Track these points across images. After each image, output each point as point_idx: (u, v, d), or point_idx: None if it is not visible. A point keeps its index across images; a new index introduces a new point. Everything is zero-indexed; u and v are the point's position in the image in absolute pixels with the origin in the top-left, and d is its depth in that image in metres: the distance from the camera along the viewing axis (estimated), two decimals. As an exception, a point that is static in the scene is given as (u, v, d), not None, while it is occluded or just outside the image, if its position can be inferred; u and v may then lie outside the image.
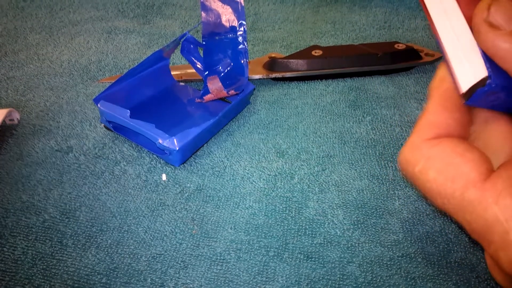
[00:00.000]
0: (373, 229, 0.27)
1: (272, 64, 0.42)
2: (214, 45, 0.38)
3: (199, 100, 0.37)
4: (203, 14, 0.37)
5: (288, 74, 0.41)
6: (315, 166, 0.32)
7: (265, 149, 0.33)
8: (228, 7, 0.37)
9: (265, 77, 0.41)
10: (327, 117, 0.37)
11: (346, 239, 0.26)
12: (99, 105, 0.33)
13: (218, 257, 0.25)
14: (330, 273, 0.24)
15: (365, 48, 0.42)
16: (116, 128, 0.34)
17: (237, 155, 0.33)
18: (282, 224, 0.27)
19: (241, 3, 0.36)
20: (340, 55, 0.41)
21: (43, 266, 0.25)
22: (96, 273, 0.24)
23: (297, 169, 0.31)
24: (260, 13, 0.57)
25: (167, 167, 0.32)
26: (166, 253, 0.25)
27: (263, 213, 0.28)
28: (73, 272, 0.24)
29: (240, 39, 0.37)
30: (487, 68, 0.16)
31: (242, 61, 0.38)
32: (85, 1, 0.60)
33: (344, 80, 0.42)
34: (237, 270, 0.24)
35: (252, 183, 0.30)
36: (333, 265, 0.25)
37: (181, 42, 0.38)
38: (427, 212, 0.28)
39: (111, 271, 0.24)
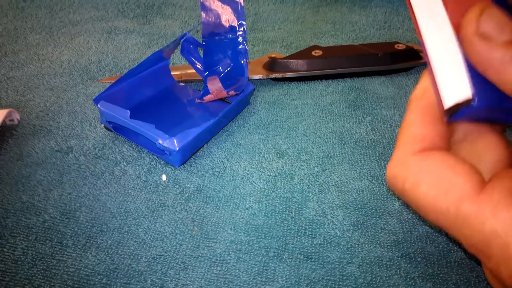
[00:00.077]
0: (373, 230, 0.27)
1: (272, 65, 0.42)
2: (214, 45, 0.38)
3: (199, 101, 0.37)
4: (203, 14, 0.37)
5: (288, 74, 0.41)
6: (315, 167, 0.32)
7: (265, 150, 0.33)
8: (228, 7, 0.37)
9: (265, 78, 0.41)
10: (327, 118, 0.37)
11: (346, 239, 0.26)
12: (99, 106, 0.33)
13: (218, 258, 0.25)
14: (329, 273, 0.24)
15: (365, 48, 0.42)
16: (116, 128, 0.34)
17: (237, 155, 0.33)
18: (282, 224, 0.27)
19: (240, 3, 0.36)
20: (340, 55, 0.41)
21: (43, 267, 0.25)
22: (96, 274, 0.24)
23: (297, 170, 0.31)
24: (260, 13, 0.57)
25: (167, 168, 0.32)
26: (166, 254, 0.25)
27: (263, 213, 0.28)
28: (73, 273, 0.24)
29: (240, 39, 0.37)
30: (473, 87, 0.16)
31: (242, 61, 0.38)
32: (85, 1, 0.60)
33: (344, 80, 0.42)
34: (237, 270, 0.25)
35: (252, 183, 0.30)
36: (332, 265, 0.25)
37: (181, 42, 0.38)
38: (427, 213, 0.28)
39: (111, 272, 0.24)
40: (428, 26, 0.17)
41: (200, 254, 0.25)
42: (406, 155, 0.18)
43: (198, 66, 0.39)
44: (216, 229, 0.27)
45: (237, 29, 0.37)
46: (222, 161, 0.32)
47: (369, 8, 0.58)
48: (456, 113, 0.16)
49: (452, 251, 0.25)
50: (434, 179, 0.17)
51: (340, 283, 0.24)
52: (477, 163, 0.18)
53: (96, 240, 0.26)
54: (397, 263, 0.25)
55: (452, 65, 0.16)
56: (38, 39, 0.50)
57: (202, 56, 0.39)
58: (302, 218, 0.28)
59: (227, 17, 0.37)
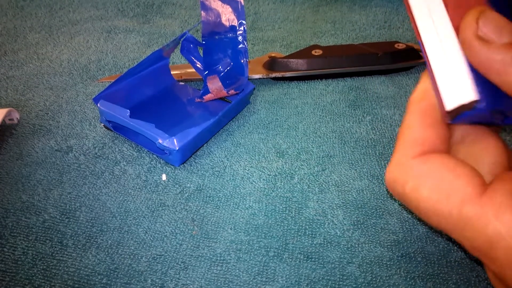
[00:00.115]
0: (373, 229, 0.27)
1: (272, 64, 0.42)
2: (214, 44, 0.38)
3: (199, 100, 0.37)
4: (203, 14, 0.37)
5: (288, 74, 0.41)
6: (315, 166, 0.32)
7: (265, 149, 0.33)
8: (228, 6, 0.37)
9: (265, 77, 0.41)
10: (327, 117, 0.37)
11: (346, 239, 0.26)
12: (98, 105, 0.33)
13: (218, 258, 0.25)
14: (330, 273, 0.24)
15: (365, 47, 0.42)
16: (116, 127, 0.34)
17: (237, 155, 0.33)
18: (282, 224, 0.27)
19: (241, 3, 0.36)
20: (340, 55, 0.41)
21: (43, 267, 0.25)
22: (96, 274, 0.24)
23: (297, 169, 0.31)
24: (260, 12, 0.57)
25: (167, 167, 0.31)
26: (166, 254, 0.25)
27: (263, 213, 0.28)
28: (74, 273, 0.24)
29: (240, 38, 0.37)
30: (477, 90, 0.16)
31: (242, 61, 0.37)
32: (85, 0, 0.60)
33: (344, 79, 0.42)
34: (237, 270, 0.25)
35: (252, 183, 0.30)
36: (333, 265, 0.25)
37: (181, 42, 0.38)
38: (427, 212, 0.28)
39: (112, 272, 0.24)
40: (427, 27, 0.17)
41: (200, 254, 0.25)
42: (406, 159, 0.18)
43: (198, 65, 0.39)
44: (216, 228, 0.27)
45: (237, 28, 0.37)
46: (222, 161, 0.32)
47: (369, 7, 0.58)
48: (459, 115, 0.16)
49: (452, 251, 0.25)
50: (435, 183, 0.17)
51: (340, 282, 0.24)
52: (475, 165, 0.18)
53: (96, 240, 0.26)
54: (397, 263, 0.25)
55: (454, 67, 0.16)
56: (38, 38, 0.50)
57: (202, 55, 0.39)
58: (302, 218, 0.28)
59: (227, 16, 0.37)
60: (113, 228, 0.27)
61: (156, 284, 0.24)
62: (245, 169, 0.31)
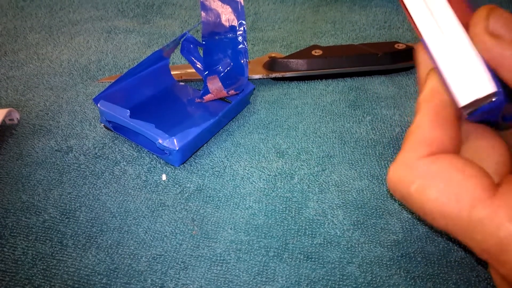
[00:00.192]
0: (373, 230, 0.27)
1: (272, 64, 0.42)
2: (214, 44, 0.38)
3: (199, 100, 0.37)
4: (203, 14, 0.37)
5: (288, 74, 0.41)
6: (315, 166, 0.32)
7: (265, 149, 0.33)
8: (228, 6, 0.37)
9: (265, 77, 0.41)
10: (327, 117, 0.37)
11: (346, 239, 0.26)
12: (99, 105, 0.33)
13: (218, 258, 0.25)
14: (330, 273, 0.24)
15: (365, 48, 0.42)
16: (116, 128, 0.34)
17: (237, 155, 0.33)
18: (282, 224, 0.27)
19: (240, 3, 0.36)
20: (340, 55, 0.41)
21: (43, 267, 0.25)
22: (96, 274, 0.24)
23: (297, 169, 0.31)
24: (260, 12, 0.57)
25: (167, 167, 0.31)
26: (166, 254, 0.25)
27: (263, 213, 0.28)
28: (73, 273, 0.24)
29: (240, 38, 0.37)
30: (495, 83, 0.15)
31: (242, 61, 0.37)
32: (85, 0, 0.60)
33: (344, 80, 0.42)
34: (237, 270, 0.24)
35: (252, 183, 0.30)
36: (333, 265, 0.25)
37: (181, 42, 0.38)
38: (427, 212, 0.28)
39: (111, 272, 0.24)
40: (429, 24, 0.17)
41: (200, 254, 0.25)
42: (413, 159, 0.17)
43: (198, 65, 0.39)
44: (216, 228, 0.27)
45: (237, 28, 0.37)
46: (222, 161, 0.32)
47: (369, 7, 0.58)
48: (476, 110, 0.16)
49: (452, 251, 0.25)
50: (444, 184, 0.16)
51: (340, 282, 0.24)
52: (480, 165, 0.18)
53: (96, 240, 0.26)
54: (397, 263, 0.25)
55: (467, 62, 0.16)
56: (38, 38, 0.50)
57: (202, 55, 0.39)
58: (302, 218, 0.28)
59: (227, 16, 0.37)
60: (113, 228, 0.27)
61: (156, 284, 0.24)
62: (245, 169, 0.31)
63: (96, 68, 0.44)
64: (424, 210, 0.17)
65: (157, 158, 0.32)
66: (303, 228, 0.27)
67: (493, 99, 0.16)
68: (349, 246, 0.26)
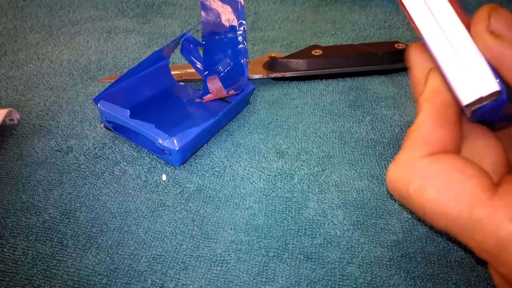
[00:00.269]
0: (373, 230, 0.27)
1: (272, 64, 0.42)
2: (214, 44, 0.38)
3: (199, 100, 0.37)
4: (203, 14, 0.37)
5: (288, 74, 0.41)
6: (315, 167, 0.32)
7: (265, 149, 0.33)
8: (228, 6, 0.37)
9: (265, 77, 0.41)
10: (327, 117, 0.37)
11: (346, 239, 0.26)
12: (99, 105, 0.33)
13: (218, 258, 0.25)
14: (330, 273, 0.24)
15: (365, 47, 0.42)
16: (116, 128, 0.34)
17: (237, 155, 0.33)
18: (282, 224, 0.27)
19: (240, 3, 0.36)
20: (340, 55, 0.41)
21: (43, 267, 0.25)
22: (96, 274, 0.24)
23: (297, 170, 0.31)
24: (260, 12, 0.57)
25: (167, 168, 0.32)
26: (166, 254, 0.25)
27: (263, 213, 0.28)
28: (74, 273, 0.24)
29: (240, 38, 0.37)
30: (498, 81, 0.15)
31: (242, 61, 0.37)
32: (85, 0, 0.60)
33: (344, 80, 0.42)
34: (237, 271, 0.25)
35: (252, 183, 0.30)
36: (333, 265, 0.25)
37: (181, 42, 0.38)
38: (427, 213, 0.28)
39: (112, 272, 0.24)
40: (429, 23, 0.17)
41: (200, 254, 0.25)
42: (413, 158, 0.17)
43: (198, 65, 0.39)
44: (216, 229, 0.27)
45: (237, 28, 0.37)
46: (222, 161, 0.32)
47: (369, 7, 0.58)
48: (479, 109, 0.16)
49: (452, 251, 0.25)
50: (443, 184, 0.16)
51: (340, 283, 0.24)
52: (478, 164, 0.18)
53: (96, 240, 0.26)
54: (397, 263, 0.25)
55: (470, 60, 0.16)
56: (38, 38, 0.50)
57: (202, 55, 0.39)
58: (302, 218, 0.28)
59: (227, 16, 0.37)
60: (113, 228, 0.27)
61: (156, 284, 0.24)
62: (245, 169, 0.31)
63: (96, 68, 0.44)
64: (424, 210, 0.17)
65: (157, 158, 0.32)
66: (303, 228, 0.27)
67: (497, 97, 0.16)
68: (349, 246, 0.26)
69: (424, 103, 0.18)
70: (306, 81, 0.42)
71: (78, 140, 0.34)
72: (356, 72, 0.42)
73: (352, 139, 0.34)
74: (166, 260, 0.25)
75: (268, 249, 0.26)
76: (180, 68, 0.43)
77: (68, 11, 0.57)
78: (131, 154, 0.33)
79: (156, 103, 0.37)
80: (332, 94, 0.40)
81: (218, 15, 0.37)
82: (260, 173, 0.31)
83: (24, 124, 0.36)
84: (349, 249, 0.26)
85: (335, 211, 0.28)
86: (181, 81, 0.41)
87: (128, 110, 0.32)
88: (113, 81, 0.35)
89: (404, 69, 0.43)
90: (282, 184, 0.30)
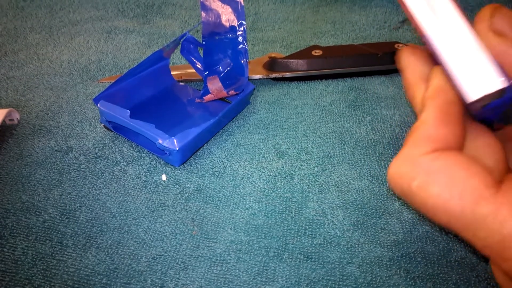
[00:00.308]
0: (373, 230, 0.27)
1: (272, 64, 0.42)
2: (214, 45, 0.38)
3: (199, 100, 0.37)
4: (203, 14, 0.37)
5: (288, 74, 0.41)
6: (315, 167, 0.32)
7: (265, 149, 0.33)
8: (228, 7, 0.37)
9: (265, 77, 0.41)
10: (327, 117, 0.37)
11: (346, 239, 0.26)
12: (99, 105, 0.33)
13: (218, 258, 0.25)
14: (330, 273, 0.24)
15: (365, 48, 0.42)
16: (116, 128, 0.34)
17: (237, 155, 0.33)
18: (282, 224, 0.27)
19: (241, 3, 0.36)
20: (340, 55, 0.41)
21: (43, 267, 0.25)
22: (96, 274, 0.24)
23: (297, 170, 0.31)
24: (260, 12, 0.57)
25: (167, 168, 0.32)
26: (166, 254, 0.25)
27: (263, 213, 0.28)
28: (73, 273, 0.24)
29: (240, 39, 0.37)
30: (504, 78, 0.16)
31: (242, 61, 0.37)
32: (85, 0, 0.60)
33: (344, 80, 0.42)
34: (237, 270, 0.24)
35: (252, 183, 0.30)
36: (333, 265, 0.25)
37: (181, 42, 0.38)
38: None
39: (111, 272, 0.24)
40: (432, 21, 0.17)
41: (200, 254, 0.25)
42: (417, 154, 0.17)
43: (198, 65, 0.39)
44: (216, 229, 0.27)
45: (237, 28, 0.37)
46: (222, 161, 0.32)
47: (369, 7, 0.58)
48: (485, 106, 0.16)
49: (452, 251, 0.25)
50: (447, 180, 0.16)
51: (340, 283, 0.24)
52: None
53: (96, 240, 0.26)
54: (397, 263, 0.25)
55: (476, 57, 0.16)
56: (38, 38, 0.50)
57: (202, 55, 0.39)
58: (302, 218, 0.28)
59: (227, 16, 0.37)
60: (113, 228, 0.27)
61: (156, 284, 0.24)
62: (245, 169, 0.31)
63: (96, 68, 0.44)
64: (426, 206, 0.17)
65: (157, 158, 0.32)
66: (303, 228, 0.27)
67: (504, 94, 0.16)
68: (349, 246, 0.26)
69: (428, 100, 0.18)
70: (306, 81, 0.42)
71: (78, 140, 0.34)
72: (356, 73, 0.42)
73: (352, 139, 0.34)
74: (166, 260, 0.25)
75: (268, 249, 0.26)
76: (180, 68, 0.43)
77: (68, 12, 0.57)
78: (131, 154, 0.33)
79: (156, 103, 0.37)
80: (332, 94, 0.40)
81: (218, 16, 0.37)
82: (260, 173, 0.31)
83: (24, 124, 0.36)
84: (349, 249, 0.26)
85: (335, 211, 0.28)
86: (181, 81, 0.41)
87: (128, 110, 0.32)
88: (113, 81, 0.35)
89: (404, 70, 0.43)
90: (282, 184, 0.30)
